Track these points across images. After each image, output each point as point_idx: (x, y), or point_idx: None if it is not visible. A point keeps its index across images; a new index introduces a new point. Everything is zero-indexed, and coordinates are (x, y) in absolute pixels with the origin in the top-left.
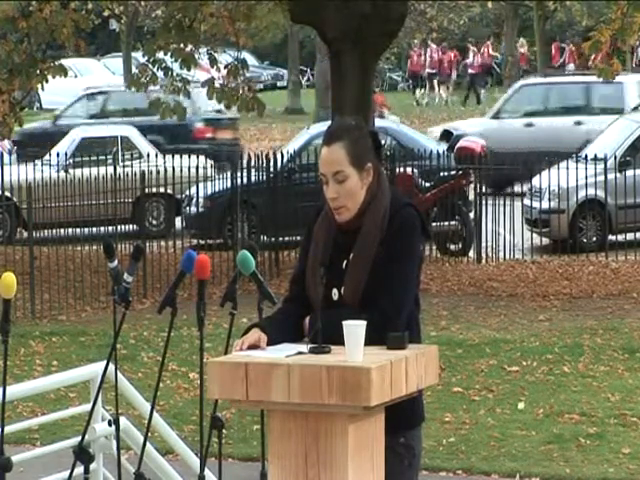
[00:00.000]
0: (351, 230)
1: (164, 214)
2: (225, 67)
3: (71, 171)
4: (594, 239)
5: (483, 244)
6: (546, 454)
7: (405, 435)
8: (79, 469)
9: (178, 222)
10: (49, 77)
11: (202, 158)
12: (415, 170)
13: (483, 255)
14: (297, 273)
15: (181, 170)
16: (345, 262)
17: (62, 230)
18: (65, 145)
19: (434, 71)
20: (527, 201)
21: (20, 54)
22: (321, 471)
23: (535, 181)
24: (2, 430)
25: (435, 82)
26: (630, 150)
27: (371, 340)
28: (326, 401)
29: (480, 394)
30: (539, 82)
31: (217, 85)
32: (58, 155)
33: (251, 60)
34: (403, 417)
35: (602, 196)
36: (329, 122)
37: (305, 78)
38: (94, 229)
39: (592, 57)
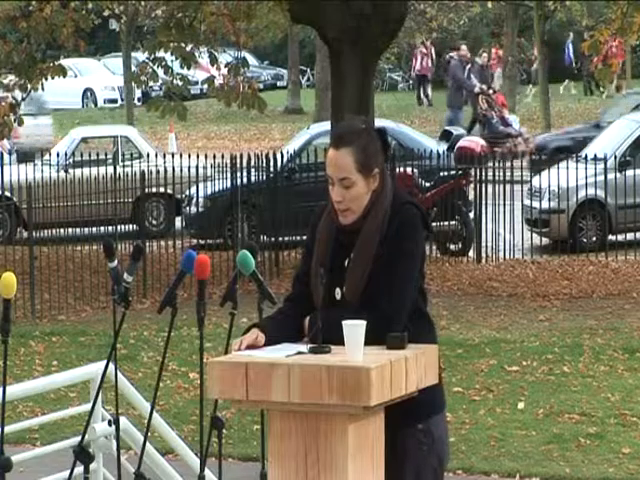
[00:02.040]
0: (352, 230)
1: (164, 214)
2: (225, 66)
3: (71, 171)
4: (594, 239)
5: (483, 244)
6: (546, 454)
7: (423, 422)
8: (79, 469)
9: (178, 222)
10: (49, 77)
11: (202, 158)
12: (415, 170)
13: (483, 255)
14: (300, 272)
15: (181, 170)
16: (347, 261)
17: (62, 230)
18: (65, 145)
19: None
20: (527, 201)
21: (20, 54)
22: (321, 471)
23: (535, 181)
24: (2, 430)
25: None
26: (630, 150)
27: (371, 340)
28: (326, 401)
29: (480, 394)
30: None
31: (217, 83)
32: (58, 155)
33: (251, 60)
34: (421, 407)
35: (602, 196)
36: (329, 122)
37: (305, 78)
38: (94, 229)
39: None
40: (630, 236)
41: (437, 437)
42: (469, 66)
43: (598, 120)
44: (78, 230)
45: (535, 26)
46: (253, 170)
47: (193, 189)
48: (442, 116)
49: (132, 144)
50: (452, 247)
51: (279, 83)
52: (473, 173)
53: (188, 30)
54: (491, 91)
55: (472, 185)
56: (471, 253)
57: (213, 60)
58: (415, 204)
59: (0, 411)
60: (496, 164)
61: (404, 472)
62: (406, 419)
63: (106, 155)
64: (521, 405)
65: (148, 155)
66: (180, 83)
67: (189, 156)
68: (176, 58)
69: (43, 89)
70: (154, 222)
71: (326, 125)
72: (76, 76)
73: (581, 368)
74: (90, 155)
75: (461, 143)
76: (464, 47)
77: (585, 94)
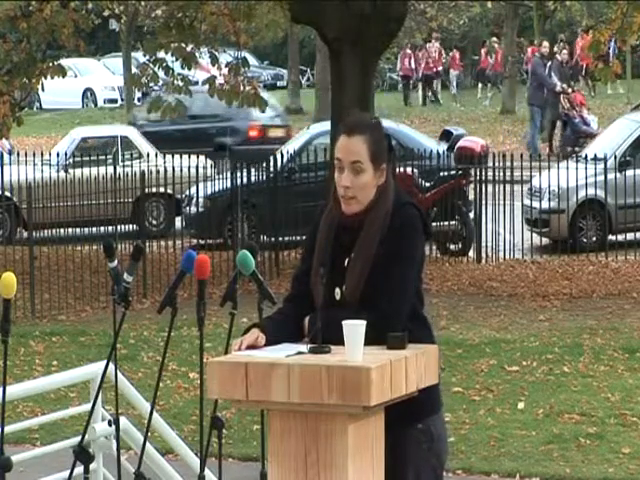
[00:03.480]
0: (353, 227)
1: (164, 214)
2: (226, 66)
3: (71, 171)
4: (594, 239)
5: (483, 244)
6: (546, 454)
7: (423, 422)
8: (79, 469)
9: (178, 222)
10: (48, 77)
11: (202, 158)
12: (415, 170)
13: (483, 255)
14: (299, 272)
15: (181, 170)
16: (347, 261)
17: (62, 230)
18: (65, 145)
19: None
20: (527, 201)
21: (19, 54)
22: (321, 471)
23: (535, 181)
24: (2, 430)
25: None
26: (630, 150)
27: (370, 340)
28: (326, 401)
29: (480, 394)
30: None
31: (218, 84)
32: (58, 155)
33: (251, 60)
34: (420, 407)
35: (602, 196)
36: (329, 122)
37: (305, 78)
38: (94, 229)
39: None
40: (630, 236)
41: (436, 436)
42: (550, 63)
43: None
44: (78, 230)
45: (535, 26)
46: (253, 170)
47: (193, 189)
48: (443, 115)
49: (132, 144)
50: (452, 247)
51: (279, 83)
52: (473, 173)
53: (189, 30)
54: (570, 90)
55: (472, 185)
56: (471, 253)
57: (214, 60)
58: (415, 205)
59: (0, 411)
60: (496, 164)
61: (405, 472)
62: (406, 419)
63: (106, 155)
64: (521, 405)
65: (148, 155)
66: (181, 84)
67: (189, 156)
68: (176, 59)
69: (43, 89)
70: (154, 222)
71: (326, 125)
72: (76, 76)
73: (581, 368)
74: (90, 155)
75: (461, 143)
76: (546, 43)
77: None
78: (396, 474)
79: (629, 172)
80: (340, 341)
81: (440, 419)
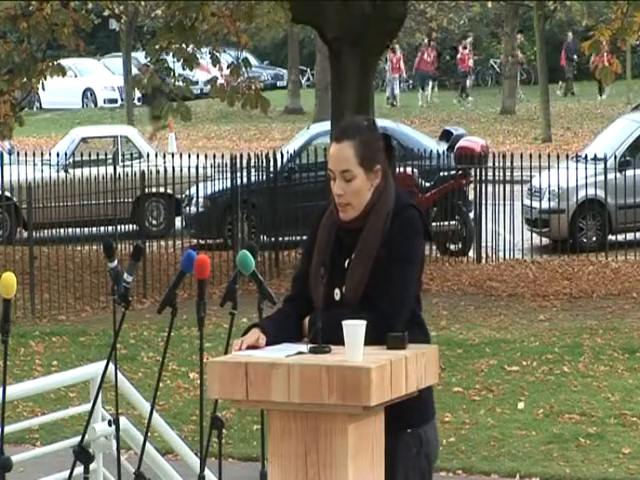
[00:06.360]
0: (354, 229)
1: (164, 214)
2: (228, 67)
3: (71, 171)
4: (594, 239)
5: (483, 244)
6: (546, 454)
7: (413, 428)
8: (79, 469)
9: (178, 222)
10: (48, 77)
11: (202, 158)
12: (415, 170)
13: (483, 255)
14: (299, 272)
15: (181, 170)
16: (347, 261)
17: (62, 230)
18: (65, 145)
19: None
20: (527, 201)
21: (20, 54)
22: (321, 471)
23: (535, 181)
24: (2, 430)
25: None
26: (630, 150)
27: (371, 340)
28: (326, 401)
29: (480, 394)
30: None
31: (219, 84)
32: (58, 155)
33: (251, 60)
34: (412, 414)
35: (602, 196)
36: (329, 122)
37: (305, 78)
38: (94, 229)
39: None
40: (630, 236)
41: (425, 441)
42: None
43: None
44: (78, 230)
45: (535, 26)
46: (253, 170)
47: (193, 189)
48: (443, 116)
49: (132, 144)
50: (452, 247)
51: (279, 83)
52: (473, 173)
53: (189, 31)
54: None
55: (472, 185)
56: (471, 253)
57: (215, 61)
58: (416, 207)
59: (0, 411)
60: (496, 164)
61: (395, 473)
62: (397, 425)
63: (106, 155)
64: (521, 405)
65: (148, 155)
66: (182, 84)
67: (189, 156)
68: (178, 60)
69: (44, 89)
70: (154, 222)
71: (326, 125)
72: (76, 76)
73: (581, 368)
74: (90, 155)
75: (461, 143)
76: None
77: (565, 95)
78: (386, 475)
79: (629, 172)
80: (340, 341)
81: (432, 426)
